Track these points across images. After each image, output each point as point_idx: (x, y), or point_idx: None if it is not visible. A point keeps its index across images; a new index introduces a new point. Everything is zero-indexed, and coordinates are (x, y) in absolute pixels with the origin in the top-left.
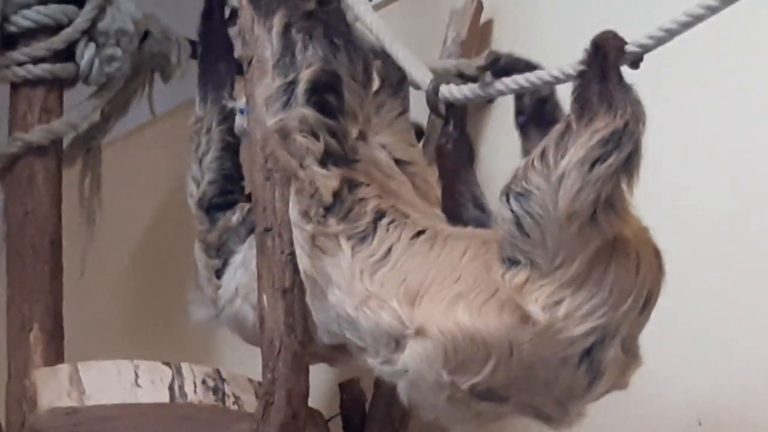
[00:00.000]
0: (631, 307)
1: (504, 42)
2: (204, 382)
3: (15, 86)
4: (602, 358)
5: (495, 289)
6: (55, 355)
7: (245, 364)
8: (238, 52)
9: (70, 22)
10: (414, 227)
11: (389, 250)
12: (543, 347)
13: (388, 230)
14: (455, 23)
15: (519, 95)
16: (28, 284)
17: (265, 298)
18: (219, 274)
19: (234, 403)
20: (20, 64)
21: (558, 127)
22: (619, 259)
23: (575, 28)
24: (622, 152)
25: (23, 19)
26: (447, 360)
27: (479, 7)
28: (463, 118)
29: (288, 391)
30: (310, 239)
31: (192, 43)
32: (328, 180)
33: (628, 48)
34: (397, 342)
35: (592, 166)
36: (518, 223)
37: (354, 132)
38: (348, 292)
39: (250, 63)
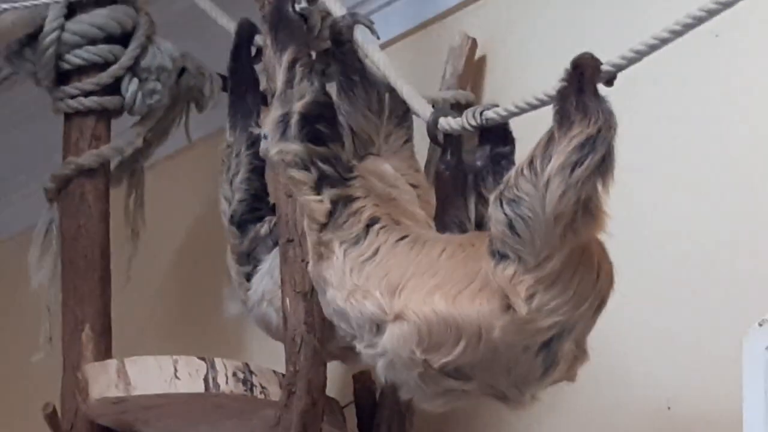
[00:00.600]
0: (587, 309)
1: (495, 74)
2: (235, 374)
3: (68, 116)
4: (558, 350)
5: (469, 282)
6: (104, 351)
7: (271, 358)
8: (263, 85)
9: (117, 60)
10: (401, 232)
11: (377, 250)
12: (512, 334)
13: (378, 234)
14: (452, 59)
15: (482, 144)
16: (81, 290)
17: (287, 300)
18: (249, 277)
19: (261, 393)
20: (73, 97)
21: (543, 137)
22: (584, 266)
23: (560, 62)
24: (597, 155)
25: (75, 57)
26: (421, 340)
27: (474, 45)
28: (459, 147)
29: (308, 382)
30: (312, 247)
31: (222, 77)
32: (320, 205)
33: (604, 67)
34: (378, 327)
35: (572, 170)
36: (510, 225)
37: (351, 155)
38: (339, 287)
39: (273, 95)
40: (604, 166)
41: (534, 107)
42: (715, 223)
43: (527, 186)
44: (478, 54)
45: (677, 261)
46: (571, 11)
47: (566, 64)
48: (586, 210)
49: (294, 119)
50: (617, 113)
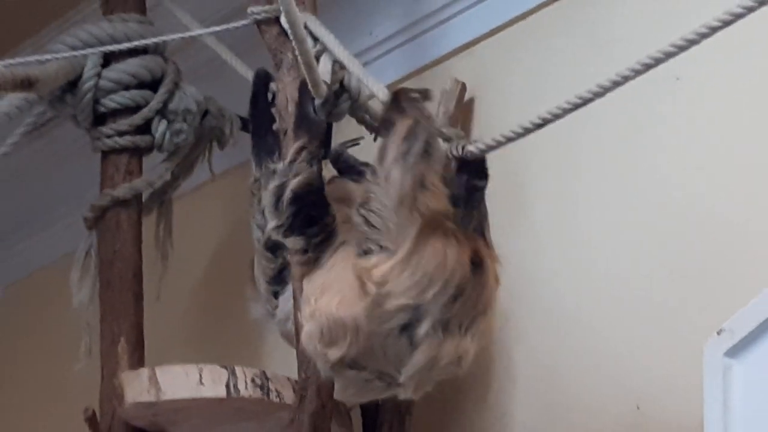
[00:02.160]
0: (438, 293)
1: (482, 114)
2: (253, 380)
3: (105, 154)
4: (416, 333)
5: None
6: (137, 361)
7: (285, 366)
8: (276, 125)
9: (147, 103)
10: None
11: (332, 265)
12: (372, 320)
13: (337, 251)
14: (444, 101)
15: (459, 173)
16: (116, 307)
17: (299, 315)
18: (276, 295)
19: (276, 397)
20: (109, 136)
21: (378, 146)
22: (433, 252)
23: (540, 103)
24: (420, 139)
25: (111, 101)
26: (322, 337)
27: (463, 89)
28: None
29: (318, 387)
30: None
31: (241, 118)
32: (302, 267)
33: (469, 147)
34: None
35: (404, 156)
36: (366, 221)
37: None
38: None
39: (285, 133)
40: (429, 147)
41: (510, 140)
42: (676, 238)
43: (373, 187)
44: (467, 96)
45: (643, 272)
46: (551, 58)
47: (545, 104)
48: (423, 187)
49: (286, 195)
50: (580, 155)
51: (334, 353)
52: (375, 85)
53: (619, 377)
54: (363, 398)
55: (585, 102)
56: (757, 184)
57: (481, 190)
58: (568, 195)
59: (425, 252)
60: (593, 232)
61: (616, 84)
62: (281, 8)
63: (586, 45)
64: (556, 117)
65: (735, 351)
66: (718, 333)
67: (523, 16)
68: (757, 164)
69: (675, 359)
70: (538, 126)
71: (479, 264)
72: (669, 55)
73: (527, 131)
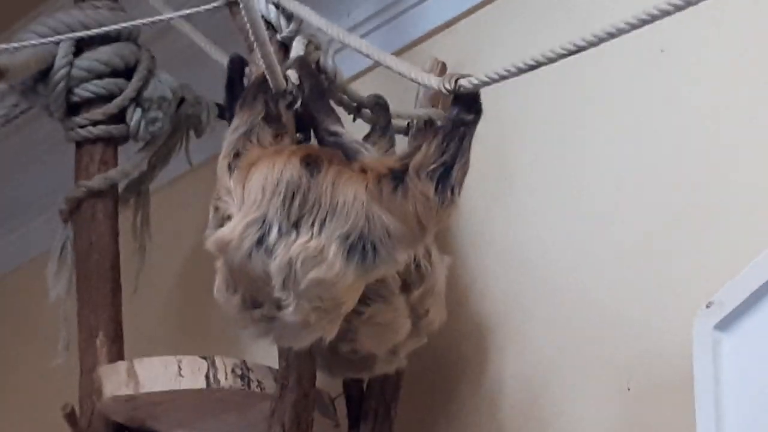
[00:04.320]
0: (272, 197)
1: None
2: (233, 370)
3: (79, 144)
4: (269, 241)
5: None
6: (116, 354)
7: (266, 355)
8: None
9: (121, 92)
10: None
11: None
12: (231, 256)
13: None
14: None
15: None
16: (94, 300)
17: None
18: None
19: (257, 387)
20: (82, 126)
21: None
22: (258, 173)
23: (519, 82)
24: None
25: (84, 90)
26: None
27: (443, 69)
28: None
29: (298, 375)
30: None
31: (218, 105)
32: None
33: (462, 82)
34: None
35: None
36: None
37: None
38: None
39: None
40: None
41: (503, 78)
42: (664, 211)
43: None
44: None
45: (629, 246)
46: (532, 36)
47: (524, 84)
48: (236, 156)
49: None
50: (567, 128)
51: (236, 298)
52: (376, 52)
53: (608, 357)
54: (299, 344)
55: (579, 49)
56: (744, 155)
57: (468, 124)
58: (554, 167)
59: (251, 179)
60: (580, 207)
61: (611, 36)
62: None
63: (566, 21)
64: (550, 60)
65: (725, 324)
66: (708, 306)
67: None
68: (743, 135)
69: (664, 335)
70: (531, 67)
71: (314, 163)
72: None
73: (520, 71)
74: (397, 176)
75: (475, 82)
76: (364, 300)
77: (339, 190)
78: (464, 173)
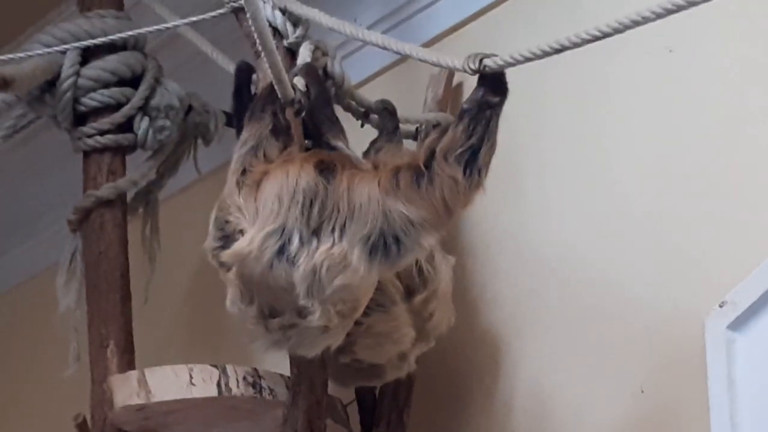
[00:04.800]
0: (290, 205)
1: None
2: (245, 378)
3: (87, 154)
4: (290, 250)
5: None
6: (127, 364)
7: (277, 363)
8: None
9: (128, 101)
10: None
11: None
12: (250, 268)
13: None
14: (433, 85)
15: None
16: (104, 310)
17: None
18: None
19: (269, 394)
20: (90, 136)
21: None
22: (271, 184)
23: (526, 85)
24: None
25: (91, 100)
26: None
27: (451, 73)
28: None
29: (311, 382)
30: None
31: (226, 114)
32: None
33: (486, 62)
34: None
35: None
36: (225, 221)
37: None
38: None
39: None
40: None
41: (528, 59)
42: (676, 211)
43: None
44: (455, 81)
45: (640, 247)
46: (540, 37)
47: (534, 83)
48: (243, 173)
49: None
50: (578, 128)
51: (252, 309)
52: (392, 42)
53: (622, 359)
54: (314, 350)
55: (604, 35)
56: (757, 154)
57: (494, 106)
58: (566, 167)
59: (264, 190)
60: (592, 207)
61: (635, 23)
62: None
63: (575, 23)
64: (574, 45)
65: (738, 324)
66: (721, 306)
67: None
68: (754, 134)
69: (678, 336)
70: (556, 50)
71: (328, 169)
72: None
73: (545, 54)
74: (421, 167)
75: (500, 62)
76: (364, 310)
77: (354, 193)
78: (491, 155)
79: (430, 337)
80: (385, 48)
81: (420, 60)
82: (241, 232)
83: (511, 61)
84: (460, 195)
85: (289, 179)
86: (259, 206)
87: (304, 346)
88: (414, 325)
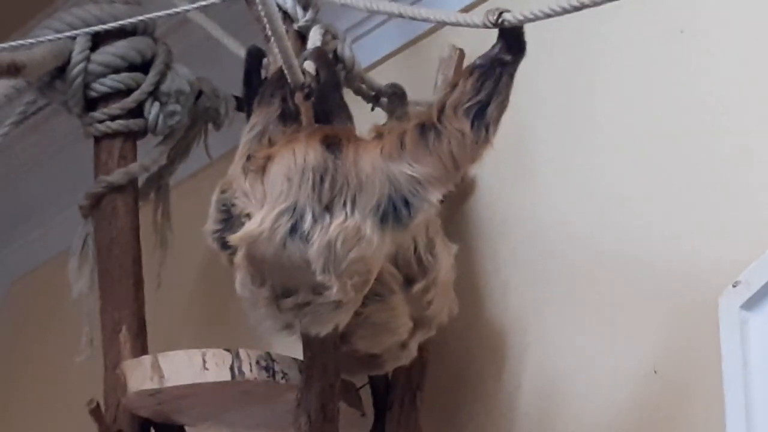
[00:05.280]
0: (301, 183)
1: None
2: (258, 362)
3: (97, 139)
4: (303, 228)
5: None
6: (140, 349)
7: (290, 347)
8: None
9: (139, 86)
10: None
11: None
12: (262, 249)
13: None
14: (443, 68)
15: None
16: (117, 295)
17: None
18: None
19: (282, 378)
20: (101, 121)
21: None
22: (278, 164)
23: (535, 67)
24: None
25: (101, 85)
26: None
27: (462, 56)
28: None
29: (324, 366)
30: None
31: (236, 98)
32: None
33: (506, 15)
34: None
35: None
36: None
37: None
38: None
39: None
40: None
41: (548, 15)
42: (688, 192)
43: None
44: (465, 63)
45: (653, 227)
46: (551, 21)
47: (542, 66)
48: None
49: None
50: (587, 111)
51: (264, 290)
52: (410, 10)
53: (634, 340)
54: (327, 327)
55: None
56: (766, 135)
57: (506, 65)
58: (576, 150)
59: (271, 172)
60: (603, 190)
61: None
62: None
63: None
64: (594, 3)
65: (751, 303)
66: (734, 285)
67: None
68: (765, 115)
69: (691, 316)
70: (576, 8)
71: (334, 143)
72: None
73: (565, 11)
74: (432, 121)
75: (520, 17)
76: (362, 300)
77: (360, 165)
78: (501, 112)
79: (430, 325)
80: (400, 15)
81: (437, 22)
82: (248, 215)
83: (530, 16)
84: (467, 149)
85: (297, 158)
86: (267, 188)
87: (317, 324)
88: (412, 314)
